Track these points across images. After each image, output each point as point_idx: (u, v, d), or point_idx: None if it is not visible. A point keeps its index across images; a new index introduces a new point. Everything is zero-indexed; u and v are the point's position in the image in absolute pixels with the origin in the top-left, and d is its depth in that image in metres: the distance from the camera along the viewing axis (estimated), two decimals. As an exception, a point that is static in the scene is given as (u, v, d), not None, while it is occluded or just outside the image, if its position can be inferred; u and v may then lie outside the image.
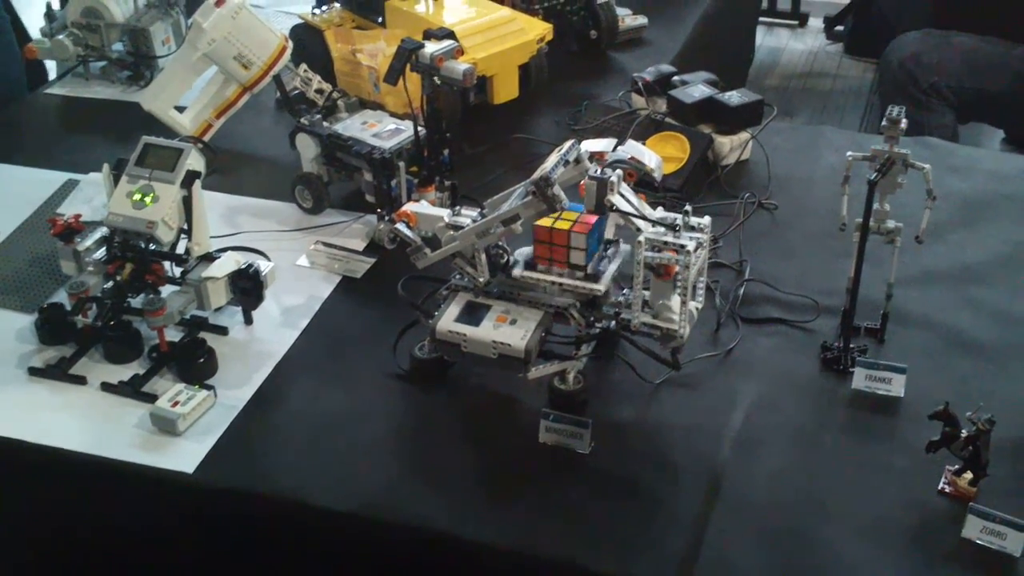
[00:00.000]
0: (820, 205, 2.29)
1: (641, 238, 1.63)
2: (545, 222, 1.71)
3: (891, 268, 1.90)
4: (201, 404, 1.79)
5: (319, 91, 2.44)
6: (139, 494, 1.74)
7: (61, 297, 2.00)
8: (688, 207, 1.68)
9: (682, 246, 1.61)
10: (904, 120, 1.80)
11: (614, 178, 1.65)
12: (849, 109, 4.96)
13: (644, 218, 1.67)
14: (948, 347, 1.93)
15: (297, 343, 1.96)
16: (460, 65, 2.07)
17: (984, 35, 3.78)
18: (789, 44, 5.60)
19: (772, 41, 5.62)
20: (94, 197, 2.31)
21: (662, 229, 1.65)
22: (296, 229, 2.27)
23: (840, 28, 5.57)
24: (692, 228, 1.67)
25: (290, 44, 2.48)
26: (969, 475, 1.62)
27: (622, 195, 1.68)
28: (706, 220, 1.69)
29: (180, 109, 2.49)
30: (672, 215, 1.68)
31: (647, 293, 1.70)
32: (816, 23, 5.73)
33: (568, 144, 1.71)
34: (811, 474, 1.68)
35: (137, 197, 1.90)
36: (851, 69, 5.33)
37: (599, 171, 1.65)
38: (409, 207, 1.85)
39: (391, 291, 1.91)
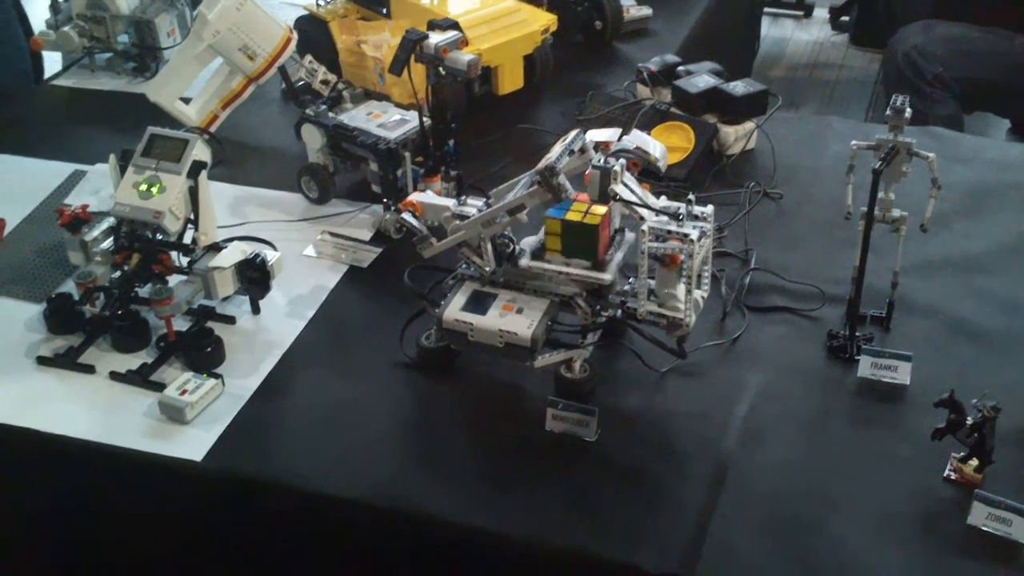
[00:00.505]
0: (825, 194, 2.29)
1: (645, 227, 1.63)
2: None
3: (896, 257, 1.90)
4: (209, 393, 1.80)
5: (324, 82, 2.45)
6: (147, 482, 1.75)
7: (69, 287, 2.01)
8: (691, 196, 1.69)
9: (686, 235, 1.62)
10: (908, 109, 1.80)
11: (617, 167, 1.65)
12: (854, 100, 4.96)
13: (648, 207, 1.67)
14: (953, 335, 1.93)
15: (304, 332, 1.97)
16: (464, 56, 2.08)
17: (988, 26, 3.78)
18: (794, 35, 5.60)
19: (777, 32, 5.61)
20: (101, 188, 2.32)
21: (665, 218, 1.65)
22: (302, 219, 2.27)
23: (845, 19, 5.57)
24: (695, 217, 1.67)
25: (295, 35, 2.48)
26: (975, 462, 1.62)
27: (625, 184, 1.68)
28: (709, 209, 1.69)
29: (186, 100, 2.50)
30: (675, 204, 1.68)
31: (652, 282, 1.71)
32: (821, 13, 5.72)
33: (573, 134, 1.72)
34: (816, 462, 1.69)
35: (144, 187, 1.91)
36: (856, 60, 5.33)
37: (602, 160, 1.66)
38: (415, 197, 1.86)
39: (397, 281, 1.92)
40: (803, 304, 2.00)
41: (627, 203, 1.67)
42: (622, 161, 1.68)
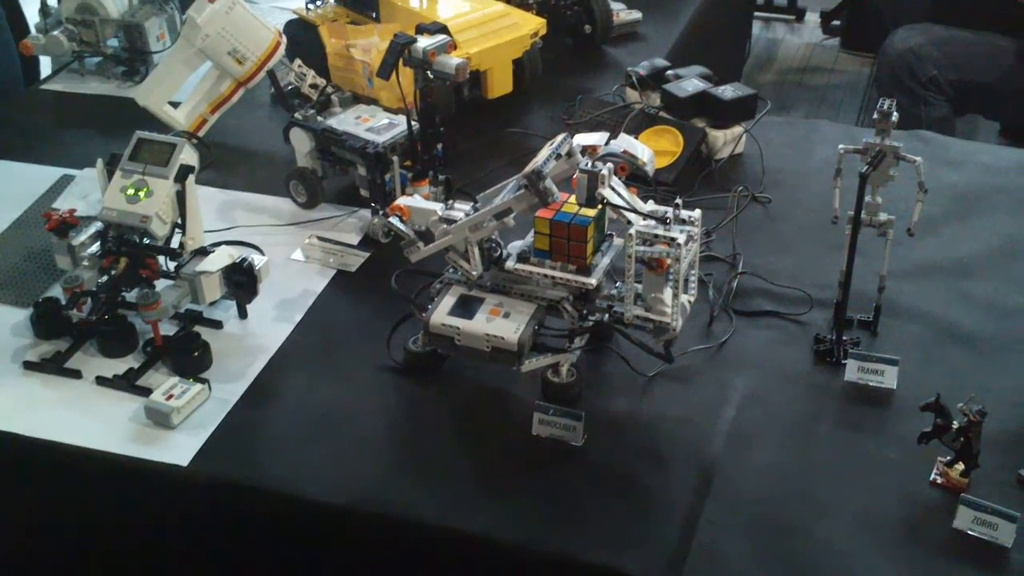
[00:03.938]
0: (813, 198, 2.29)
1: (632, 231, 1.63)
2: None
3: (884, 261, 1.90)
4: (195, 398, 1.80)
5: (313, 86, 2.44)
6: (133, 487, 1.75)
7: (56, 292, 2.01)
8: (679, 200, 1.69)
9: (673, 239, 1.62)
10: (895, 113, 1.81)
11: (605, 171, 1.65)
12: (845, 104, 4.96)
13: (635, 211, 1.67)
14: (940, 339, 1.93)
15: (291, 337, 1.97)
16: (453, 60, 2.08)
17: (981, 30, 3.78)
18: (786, 39, 5.61)
19: (769, 36, 5.62)
20: (89, 192, 2.31)
21: (653, 222, 1.65)
22: (290, 223, 2.27)
23: (837, 23, 5.57)
24: (683, 221, 1.67)
25: (284, 39, 2.48)
26: (961, 466, 1.62)
27: (613, 188, 1.68)
28: (696, 213, 1.69)
29: (175, 104, 2.50)
30: (663, 208, 1.68)
31: (639, 286, 1.71)
32: (813, 18, 5.72)
33: (560, 138, 1.72)
34: (803, 466, 1.69)
35: (131, 192, 1.91)
36: (848, 64, 5.33)
37: (589, 164, 1.66)
38: (402, 201, 1.85)
39: (385, 285, 1.91)
40: (790, 308, 2.00)
41: (614, 207, 1.67)
42: (609, 165, 1.68)
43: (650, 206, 1.71)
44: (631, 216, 1.66)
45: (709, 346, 1.92)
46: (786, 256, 2.15)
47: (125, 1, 2.83)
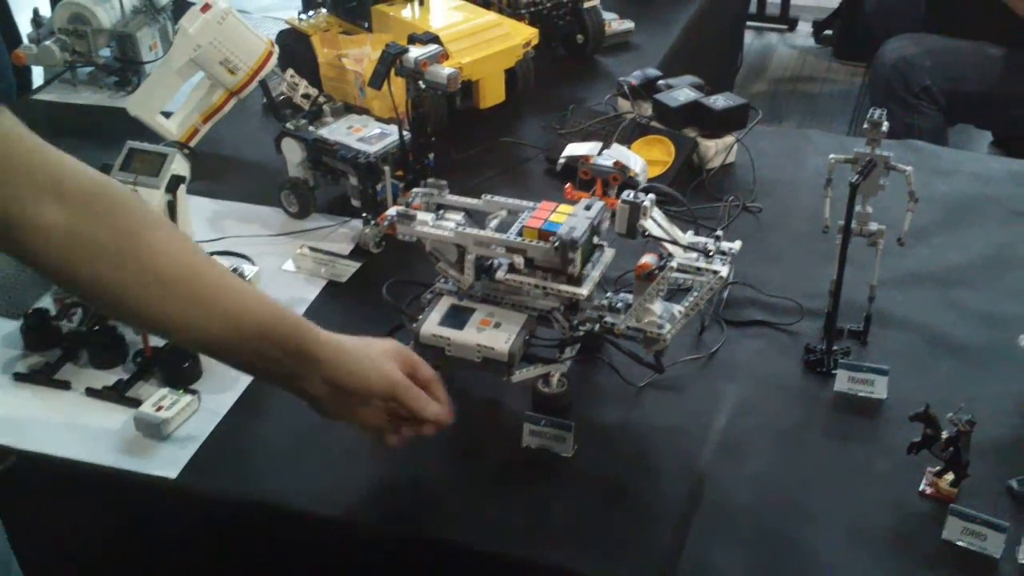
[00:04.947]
0: (804, 208, 2.30)
1: (674, 263, 1.64)
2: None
3: (874, 270, 1.90)
4: (185, 409, 1.79)
5: (305, 96, 2.45)
6: (122, 499, 1.74)
7: (46, 302, 2.00)
8: (719, 231, 1.69)
9: (715, 272, 1.63)
10: (886, 122, 1.81)
11: (647, 203, 1.64)
12: (838, 113, 4.98)
13: (676, 243, 1.67)
14: (931, 349, 1.93)
15: (282, 347, 1.96)
16: (444, 69, 2.08)
17: (974, 39, 3.79)
18: (778, 48, 5.62)
19: (761, 45, 5.64)
20: (80, 202, 2.31)
21: (695, 254, 1.65)
22: (281, 233, 2.27)
23: (829, 32, 5.59)
24: (723, 252, 1.68)
25: (276, 49, 2.49)
26: (950, 476, 1.62)
27: (653, 219, 1.68)
28: (736, 244, 1.69)
29: (167, 114, 2.50)
30: (703, 240, 1.69)
31: (629, 296, 1.71)
32: (805, 27, 5.74)
33: (597, 207, 1.71)
34: (793, 476, 1.69)
35: (121, 202, 1.90)
36: (840, 73, 5.35)
37: (632, 195, 1.65)
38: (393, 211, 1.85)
39: (376, 295, 1.91)
40: (781, 318, 2.00)
41: (656, 239, 1.66)
42: (652, 196, 1.67)
43: (690, 237, 1.71)
44: (672, 249, 1.66)
45: (700, 356, 1.92)
46: (777, 266, 2.15)
47: (117, 11, 2.83)
